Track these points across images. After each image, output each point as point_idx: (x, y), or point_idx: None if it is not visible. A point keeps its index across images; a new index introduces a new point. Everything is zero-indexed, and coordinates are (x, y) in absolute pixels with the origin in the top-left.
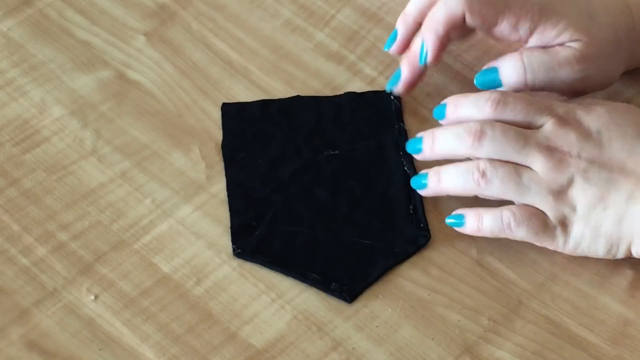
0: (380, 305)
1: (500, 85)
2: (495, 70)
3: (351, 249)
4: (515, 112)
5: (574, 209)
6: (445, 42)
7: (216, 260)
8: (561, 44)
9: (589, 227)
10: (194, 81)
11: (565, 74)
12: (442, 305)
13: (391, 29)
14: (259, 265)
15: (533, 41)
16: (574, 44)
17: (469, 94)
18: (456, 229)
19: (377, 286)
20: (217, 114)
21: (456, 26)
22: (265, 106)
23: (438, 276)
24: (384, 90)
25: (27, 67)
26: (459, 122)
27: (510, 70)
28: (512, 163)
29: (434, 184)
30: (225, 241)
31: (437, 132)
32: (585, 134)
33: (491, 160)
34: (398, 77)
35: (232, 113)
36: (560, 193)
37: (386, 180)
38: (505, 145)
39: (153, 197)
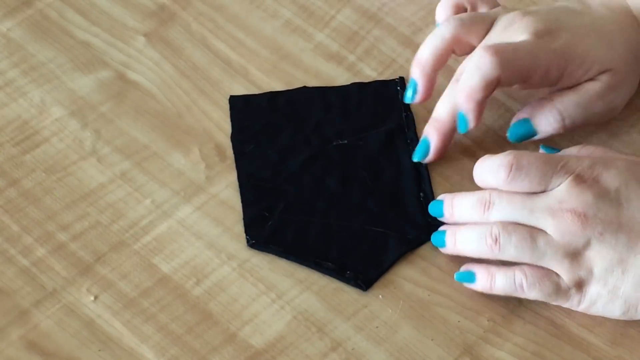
0: (380, 305)
1: (535, 135)
2: (527, 121)
3: (364, 237)
4: (530, 176)
5: (590, 271)
6: (484, 107)
7: (216, 260)
8: (589, 80)
9: (606, 289)
10: (194, 82)
11: (599, 107)
12: (442, 305)
13: (391, 29)
14: (258, 265)
15: (562, 83)
16: (602, 77)
17: (486, 158)
18: (465, 284)
19: (377, 286)
20: (216, 114)
21: (493, 90)
22: (272, 98)
23: (438, 276)
24: (390, 80)
25: (26, 67)
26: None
27: (546, 120)
28: (527, 226)
29: (450, 245)
30: (225, 241)
31: (455, 200)
32: (602, 193)
33: (504, 225)
34: (425, 147)
35: (240, 105)
36: (576, 255)
37: (395, 169)
38: (514, 212)
39: (153, 197)
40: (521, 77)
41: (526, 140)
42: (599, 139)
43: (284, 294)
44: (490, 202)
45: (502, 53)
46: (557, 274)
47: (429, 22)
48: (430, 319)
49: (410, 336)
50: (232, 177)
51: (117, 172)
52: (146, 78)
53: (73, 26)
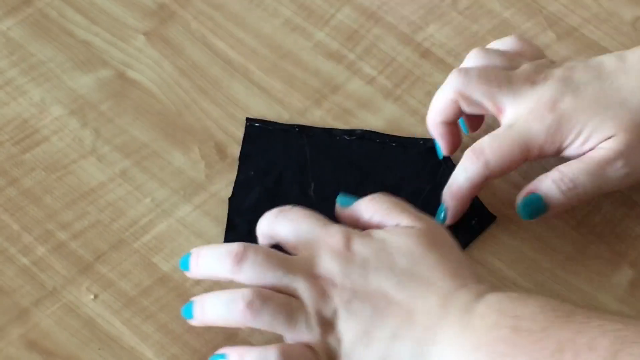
0: None
1: (547, 210)
2: (537, 197)
3: None
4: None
5: (339, 343)
6: (468, 203)
7: None
8: (593, 148)
9: None
10: (194, 80)
11: (611, 173)
12: None
13: (391, 28)
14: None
15: (565, 154)
16: (604, 144)
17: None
18: None
19: None
20: (216, 113)
21: (480, 188)
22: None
23: None
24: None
25: (26, 66)
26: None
27: (555, 192)
28: (284, 294)
29: (198, 314)
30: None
31: (203, 250)
32: (351, 261)
33: (259, 290)
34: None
35: (254, 135)
36: (328, 325)
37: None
38: (267, 270)
39: (152, 196)
40: (514, 164)
41: (538, 217)
42: None
43: None
44: (243, 255)
45: (488, 154)
46: (313, 350)
47: (428, 20)
48: None
49: None
50: (232, 175)
51: (117, 171)
52: (146, 77)
53: (73, 25)
